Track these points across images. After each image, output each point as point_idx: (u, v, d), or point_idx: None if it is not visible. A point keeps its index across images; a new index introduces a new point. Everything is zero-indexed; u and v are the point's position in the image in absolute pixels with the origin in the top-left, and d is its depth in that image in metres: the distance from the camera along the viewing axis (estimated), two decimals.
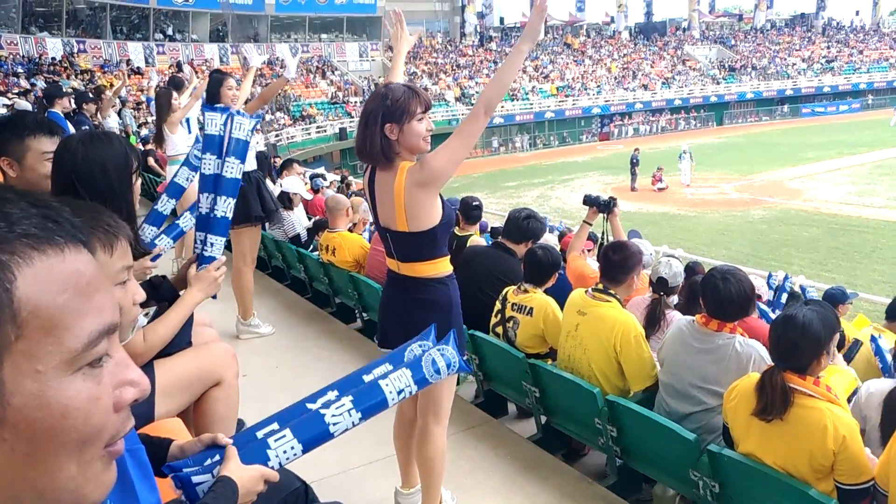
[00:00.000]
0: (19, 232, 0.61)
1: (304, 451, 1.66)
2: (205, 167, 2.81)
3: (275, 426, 1.68)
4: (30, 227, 0.62)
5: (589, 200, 4.94)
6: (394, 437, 3.05)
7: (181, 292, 2.52)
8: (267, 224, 6.37)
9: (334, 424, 1.69)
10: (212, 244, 2.69)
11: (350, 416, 1.72)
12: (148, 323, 2.39)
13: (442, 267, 2.66)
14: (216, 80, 4.98)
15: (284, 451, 1.63)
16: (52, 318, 0.61)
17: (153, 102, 7.88)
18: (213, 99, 4.88)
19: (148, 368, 2.35)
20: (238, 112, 2.95)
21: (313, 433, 1.67)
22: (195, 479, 1.56)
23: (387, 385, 1.81)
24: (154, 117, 7.04)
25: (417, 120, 2.50)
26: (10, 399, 0.59)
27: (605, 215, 4.92)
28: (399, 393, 1.82)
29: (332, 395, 1.78)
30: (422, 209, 2.52)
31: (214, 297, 2.62)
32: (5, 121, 2.71)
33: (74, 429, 0.63)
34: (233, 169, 2.74)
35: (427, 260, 2.62)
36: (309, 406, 1.74)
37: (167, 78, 10.18)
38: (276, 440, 1.63)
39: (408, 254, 2.63)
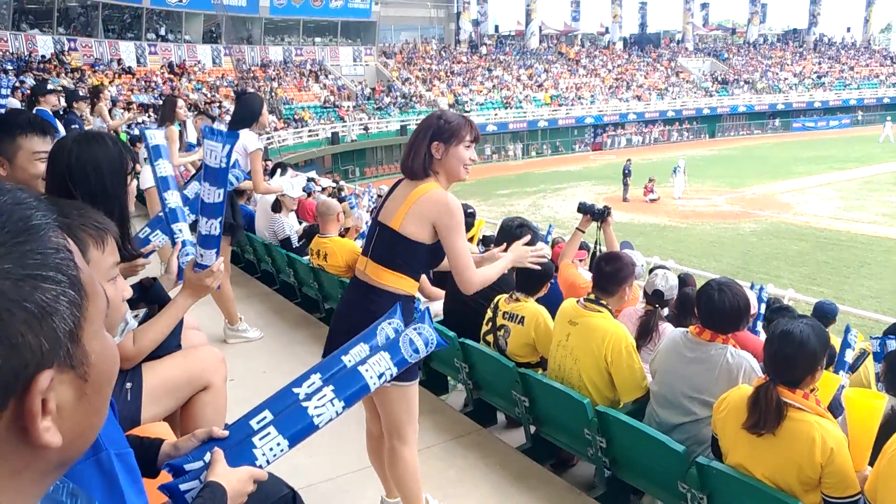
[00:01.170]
0: (54, 218, 0.69)
1: (291, 446, 1.66)
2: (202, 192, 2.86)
3: (266, 414, 1.68)
4: (51, 215, 0.69)
5: (584, 208, 4.94)
6: (367, 452, 3.06)
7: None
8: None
9: (318, 416, 1.69)
10: (202, 255, 2.69)
11: (333, 405, 1.72)
12: (138, 325, 2.37)
13: (405, 285, 2.66)
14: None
15: (271, 449, 1.63)
16: (92, 286, 0.70)
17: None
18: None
19: (136, 371, 2.33)
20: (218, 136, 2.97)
21: (298, 427, 1.67)
22: (183, 486, 1.55)
23: (367, 371, 1.83)
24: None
25: (465, 146, 2.64)
26: (90, 359, 0.69)
27: (599, 224, 4.92)
28: (380, 377, 1.85)
29: (315, 379, 1.77)
30: (420, 221, 2.60)
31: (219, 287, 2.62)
32: None
33: (115, 371, 0.76)
34: (211, 195, 2.75)
35: (395, 271, 2.63)
36: (295, 391, 1.74)
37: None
38: (261, 439, 1.63)
39: (382, 254, 2.64)
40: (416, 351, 1.99)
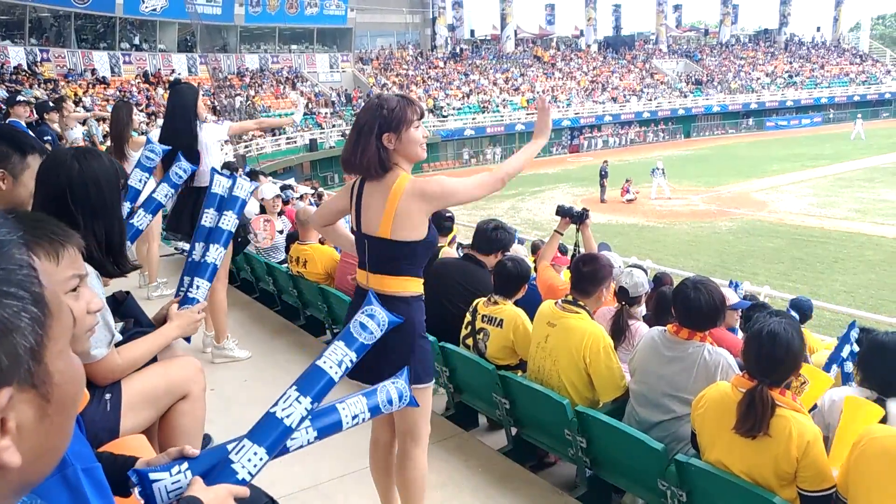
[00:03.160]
0: (19, 235, 0.69)
1: (270, 456, 1.66)
2: (204, 220, 2.93)
3: (245, 443, 1.68)
4: (15, 231, 0.69)
5: (562, 211, 4.97)
6: (371, 467, 2.94)
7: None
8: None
9: (287, 417, 1.71)
10: (197, 287, 2.74)
11: (300, 402, 1.74)
12: (121, 338, 2.38)
13: (411, 286, 2.59)
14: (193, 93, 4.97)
15: (249, 460, 1.62)
16: (57, 304, 0.69)
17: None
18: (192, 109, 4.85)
19: (114, 383, 2.32)
20: (241, 175, 3.08)
21: (273, 435, 1.68)
22: (153, 476, 1.56)
23: (343, 409, 1.88)
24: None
25: (414, 128, 2.52)
26: (53, 378, 0.68)
27: (577, 226, 4.96)
28: (354, 418, 1.90)
29: (291, 392, 1.77)
30: (410, 220, 2.50)
31: (188, 340, 2.65)
32: (7, 134, 2.72)
33: (81, 392, 0.75)
34: (229, 222, 2.91)
35: (398, 275, 2.56)
36: (273, 412, 1.75)
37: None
38: (237, 453, 1.62)
39: (381, 264, 2.55)
40: (390, 402, 2.03)
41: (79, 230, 2.15)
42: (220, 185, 2.99)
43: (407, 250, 2.53)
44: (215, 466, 1.62)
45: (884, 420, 2.60)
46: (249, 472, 1.61)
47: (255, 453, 1.63)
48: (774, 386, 2.51)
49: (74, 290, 1.73)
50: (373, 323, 2.01)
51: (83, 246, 1.68)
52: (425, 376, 2.64)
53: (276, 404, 1.72)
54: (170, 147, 3.97)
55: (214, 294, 5.01)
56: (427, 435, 2.76)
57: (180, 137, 4.62)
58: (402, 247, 2.52)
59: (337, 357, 1.87)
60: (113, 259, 2.37)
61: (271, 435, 1.67)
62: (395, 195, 2.49)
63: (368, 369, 2.64)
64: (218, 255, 2.82)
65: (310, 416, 1.76)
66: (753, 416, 2.49)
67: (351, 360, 1.90)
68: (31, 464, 0.67)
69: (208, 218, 2.93)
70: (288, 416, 1.70)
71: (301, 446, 1.75)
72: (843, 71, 56.11)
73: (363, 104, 2.66)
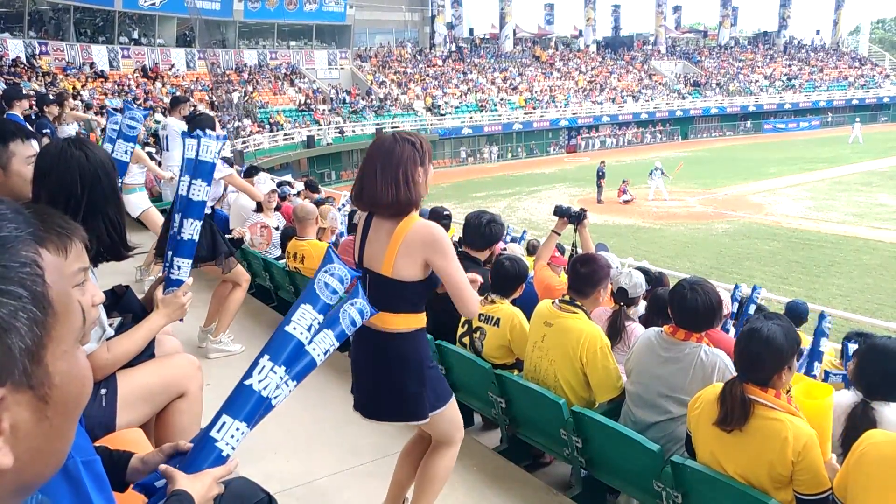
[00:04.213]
0: (29, 231, 0.68)
1: (250, 426, 1.67)
2: (181, 188, 2.88)
3: (225, 419, 1.69)
4: (26, 227, 0.68)
5: (560, 211, 4.97)
6: (401, 453, 3.01)
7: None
8: None
9: (265, 388, 1.72)
10: (178, 267, 2.71)
11: (275, 373, 1.75)
12: (114, 335, 2.37)
13: (413, 322, 2.60)
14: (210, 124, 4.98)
15: (232, 436, 1.63)
16: (65, 304, 0.68)
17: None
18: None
19: (110, 377, 2.32)
20: (205, 134, 2.98)
21: (246, 404, 1.68)
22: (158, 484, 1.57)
23: (314, 349, 1.87)
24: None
25: (430, 161, 2.58)
26: (53, 380, 0.66)
27: (575, 227, 4.95)
28: (326, 353, 1.91)
29: (265, 362, 1.78)
30: (412, 260, 2.49)
31: (182, 319, 2.64)
32: None
33: (86, 394, 0.73)
34: (199, 192, 2.83)
35: (398, 313, 2.55)
36: (246, 383, 1.76)
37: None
38: (218, 430, 1.63)
39: (382, 300, 2.45)
40: (353, 323, 2.06)
41: (86, 219, 2.18)
42: (191, 149, 2.91)
43: (406, 289, 2.52)
44: (200, 449, 1.62)
45: (865, 416, 2.64)
46: (232, 448, 1.62)
47: (238, 429, 1.64)
48: (758, 384, 2.51)
49: (81, 284, 1.73)
50: (357, 314, 2.05)
51: (87, 238, 1.68)
52: (441, 401, 2.68)
53: (249, 375, 1.73)
54: (149, 110, 3.96)
55: (233, 293, 5.06)
56: (461, 437, 2.86)
57: None
58: (402, 286, 2.51)
59: (306, 322, 1.88)
60: (121, 243, 2.39)
61: (249, 407, 1.68)
62: (400, 233, 2.48)
63: (381, 407, 2.68)
64: (194, 229, 2.77)
65: (285, 368, 1.77)
66: (725, 409, 2.53)
67: (335, 347, 1.93)
68: (28, 465, 0.66)
69: (184, 186, 2.86)
70: (265, 388, 1.71)
71: (284, 397, 1.77)
72: (842, 74, 56.17)
73: (382, 143, 2.54)
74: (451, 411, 2.74)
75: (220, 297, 5.21)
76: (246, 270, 6.96)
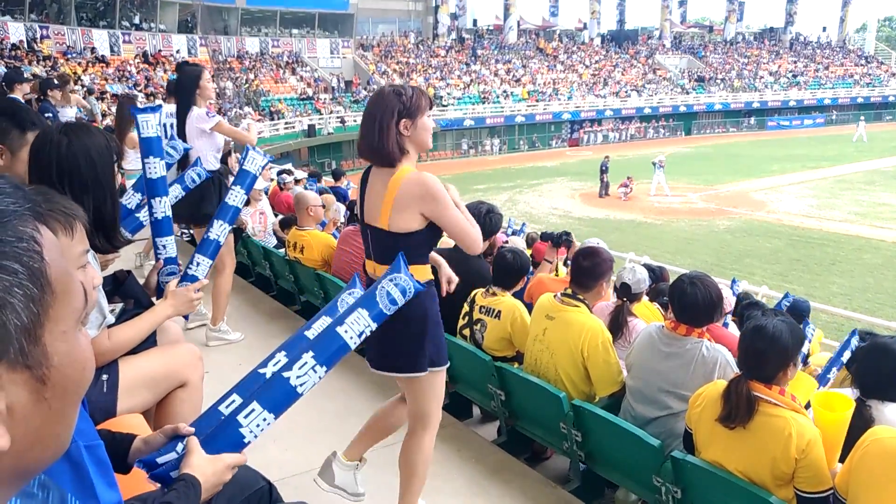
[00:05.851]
0: (28, 207, 0.66)
1: (276, 418, 1.66)
2: (230, 198, 2.96)
3: (235, 398, 1.67)
4: (25, 203, 0.66)
5: (546, 237, 5.11)
6: (382, 414, 3.02)
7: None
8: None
9: (301, 385, 1.69)
10: (198, 264, 2.70)
11: (315, 372, 1.71)
12: (116, 321, 2.35)
13: (418, 274, 2.53)
14: (194, 75, 4.86)
15: (258, 425, 1.62)
16: (65, 283, 0.66)
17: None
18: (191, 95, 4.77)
19: (112, 364, 2.31)
20: (254, 148, 3.06)
21: (281, 398, 1.66)
22: (160, 459, 1.56)
23: (346, 331, 1.80)
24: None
25: (427, 116, 2.59)
26: (52, 361, 0.64)
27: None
28: (360, 335, 1.82)
29: (308, 359, 1.74)
30: (408, 212, 2.50)
31: (186, 318, 2.63)
32: (7, 110, 2.70)
33: (87, 378, 0.71)
34: (237, 198, 2.92)
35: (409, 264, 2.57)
36: (261, 371, 1.73)
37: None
38: (245, 416, 1.61)
39: (384, 255, 2.55)
40: (394, 302, 1.96)
41: None
42: (253, 163, 2.99)
43: (407, 241, 2.51)
44: (223, 431, 1.61)
45: (860, 415, 2.63)
46: (255, 436, 1.62)
47: (265, 419, 1.63)
48: (764, 382, 2.50)
49: (83, 266, 1.72)
50: (398, 292, 1.95)
51: (87, 221, 1.66)
52: (440, 360, 2.69)
53: (289, 368, 1.70)
54: (191, 146, 3.94)
55: (219, 276, 4.98)
56: (437, 421, 2.81)
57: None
58: (402, 237, 2.51)
59: (358, 327, 1.82)
60: (104, 234, 2.34)
61: (282, 400, 1.67)
62: (393, 186, 2.50)
63: (383, 356, 2.67)
64: (222, 231, 2.82)
65: (313, 354, 1.73)
66: (730, 406, 2.51)
67: (371, 329, 1.86)
68: (27, 449, 0.64)
69: (234, 196, 2.95)
70: (302, 385, 1.69)
71: (314, 384, 1.72)
72: (848, 72, 56.03)
73: (374, 93, 2.65)
74: (439, 379, 2.75)
75: (214, 285, 5.16)
76: (247, 259, 6.98)
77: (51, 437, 0.67)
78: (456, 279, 3.02)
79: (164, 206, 2.78)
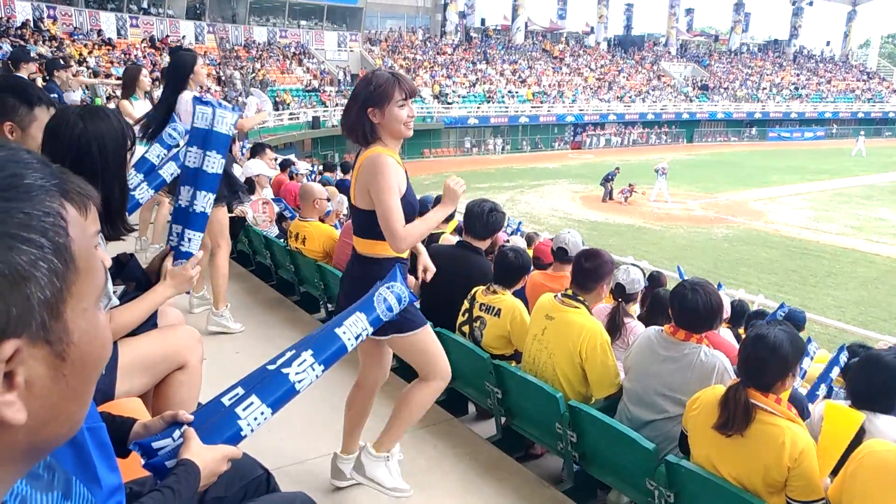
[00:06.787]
0: (55, 183, 0.67)
1: (273, 413, 1.69)
2: (189, 160, 2.83)
3: (239, 391, 1.69)
4: (52, 178, 0.67)
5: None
6: (347, 405, 3.13)
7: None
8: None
9: (299, 382, 1.73)
10: (189, 239, 2.70)
11: (313, 370, 1.77)
12: (118, 303, 2.36)
13: (381, 249, 2.75)
14: (189, 61, 4.87)
15: (255, 419, 1.65)
16: (88, 260, 0.66)
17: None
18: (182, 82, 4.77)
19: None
20: (220, 104, 2.95)
21: (279, 394, 1.70)
22: (156, 444, 1.56)
23: (344, 333, 1.88)
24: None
25: (398, 106, 2.64)
26: (72, 337, 0.64)
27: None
28: (357, 337, 1.90)
29: (308, 357, 1.80)
30: (365, 191, 2.68)
31: (188, 292, 2.63)
32: (15, 86, 2.66)
33: (105, 357, 0.71)
34: (214, 164, 2.79)
35: (372, 238, 2.74)
36: (269, 368, 1.77)
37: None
38: (244, 409, 1.64)
39: (360, 229, 2.78)
40: (390, 308, 2.07)
41: None
42: (202, 118, 2.82)
43: (372, 218, 2.66)
44: (221, 422, 1.63)
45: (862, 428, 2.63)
46: (252, 429, 1.64)
47: (262, 413, 1.66)
48: (761, 390, 2.52)
49: (96, 247, 1.74)
50: (394, 299, 2.06)
51: (99, 202, 1.68)
52: (411, 324, 2.76)
53: (289, 364, 1.73)
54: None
55: (215, 258, 4.98)
56: (448, 371, 2.94)
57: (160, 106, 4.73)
58: (367, 215, 2.69)
59: (356, 330, 1.89)
60: (109, 222, 2.34)
61: (279, 395, 1.70)
62: (359, 164, 2.69)
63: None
64: (207, 202, 2.75)
65: (312, 352, 1.78)
66: (727, 413, 2.53)
67: (368, 333, 1.95)
68: (42, 426, 0.64)
69: (192, 157, 2.80)
70: (300, 381, 1.73)
71: (311, 382, 1.78)
72: (850, 87, 56.14)
73: (359, 79, 2.76)
74: (422, 341, 2.84)
75: (211, 267, 5.16)
76: (247, 247, 6.99)
77: (66, 414, 0.67)
78: (433, 269, 3.22)
79: (206, 202, 2.76)
